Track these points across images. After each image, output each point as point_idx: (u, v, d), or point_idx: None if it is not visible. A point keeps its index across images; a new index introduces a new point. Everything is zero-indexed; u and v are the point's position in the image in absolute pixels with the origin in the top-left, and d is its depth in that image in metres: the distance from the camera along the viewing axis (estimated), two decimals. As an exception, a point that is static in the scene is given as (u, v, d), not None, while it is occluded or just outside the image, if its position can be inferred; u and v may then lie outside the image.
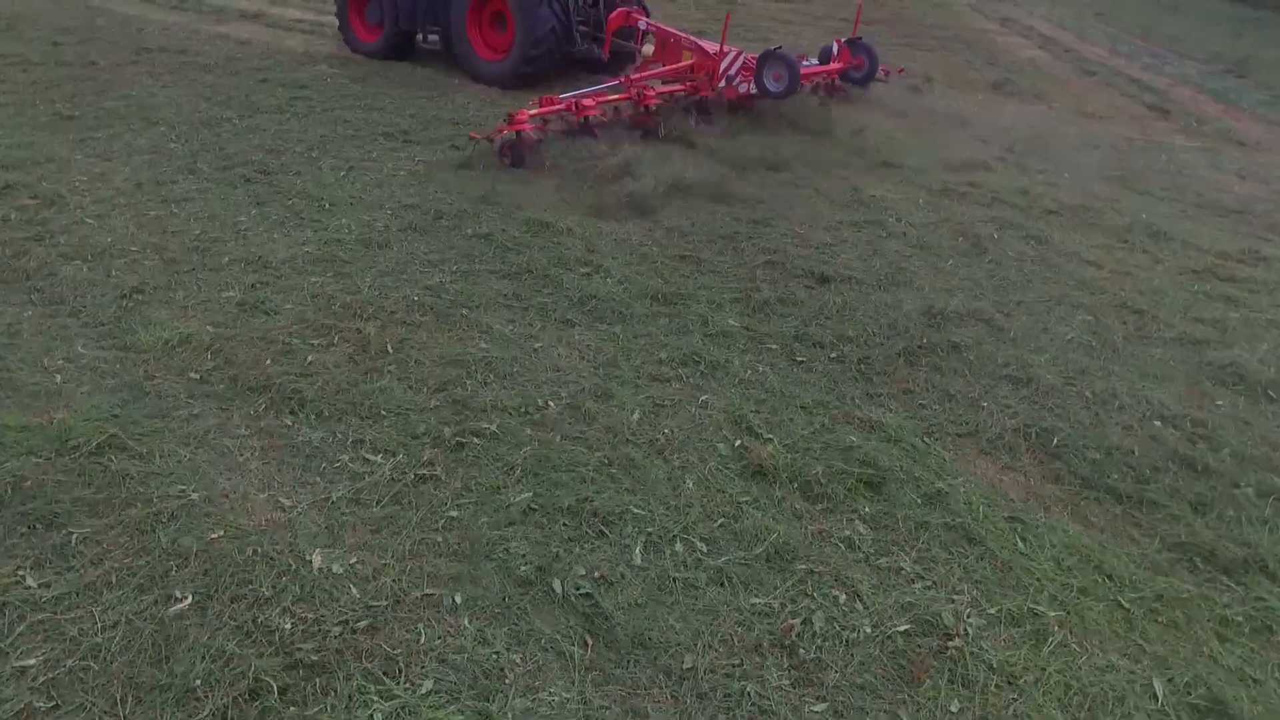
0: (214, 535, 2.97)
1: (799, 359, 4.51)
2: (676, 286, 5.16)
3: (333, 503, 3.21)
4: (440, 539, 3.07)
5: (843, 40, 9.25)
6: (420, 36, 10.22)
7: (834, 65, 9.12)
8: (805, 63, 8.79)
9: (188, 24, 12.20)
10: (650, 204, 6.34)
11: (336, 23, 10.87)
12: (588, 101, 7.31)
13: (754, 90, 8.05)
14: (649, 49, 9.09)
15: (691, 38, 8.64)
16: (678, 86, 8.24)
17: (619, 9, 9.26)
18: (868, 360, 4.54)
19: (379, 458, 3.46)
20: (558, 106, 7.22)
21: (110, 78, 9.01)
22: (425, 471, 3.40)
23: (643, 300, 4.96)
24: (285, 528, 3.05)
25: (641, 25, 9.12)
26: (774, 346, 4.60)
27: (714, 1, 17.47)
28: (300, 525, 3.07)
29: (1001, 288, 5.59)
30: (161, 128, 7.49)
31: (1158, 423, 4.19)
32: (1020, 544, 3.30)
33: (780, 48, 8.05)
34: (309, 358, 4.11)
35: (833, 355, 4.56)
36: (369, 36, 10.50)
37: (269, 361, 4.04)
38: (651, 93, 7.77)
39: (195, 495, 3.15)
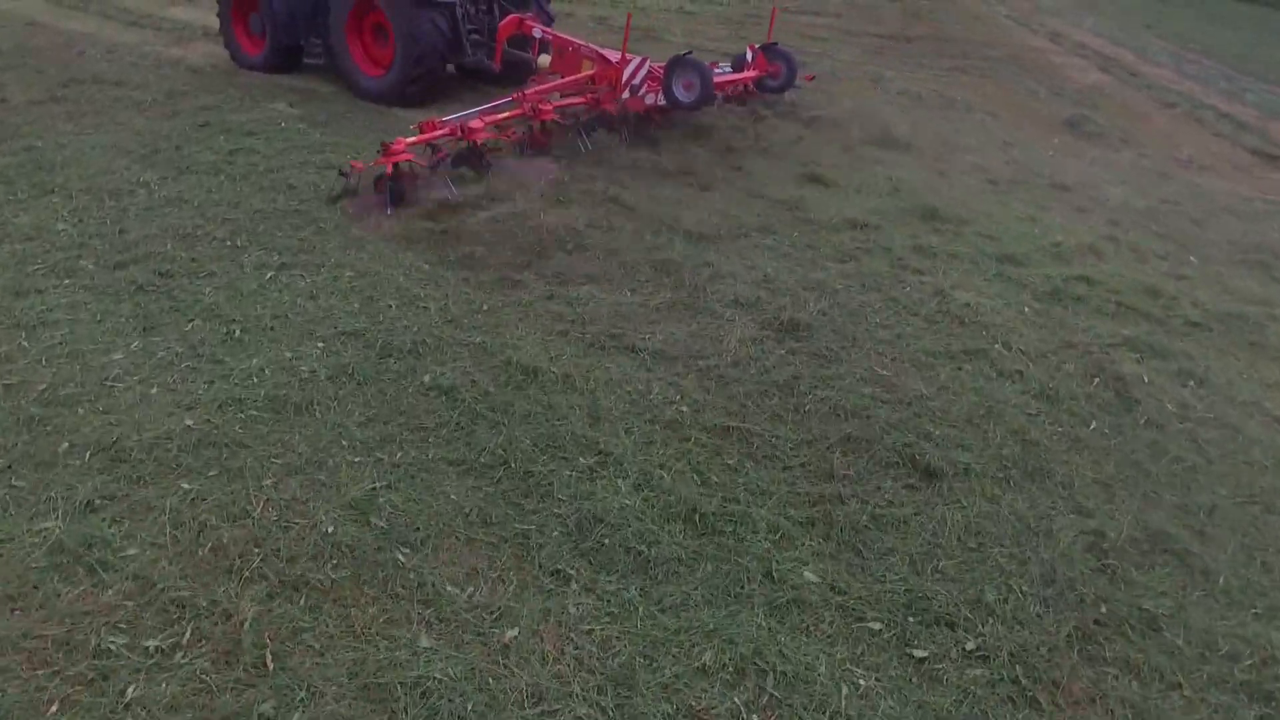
0: None
1: (918, 654, 2.89)
2: (721, 493, 3.53)
3: None
4: None
5: (756, 46, 8.43)
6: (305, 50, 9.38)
7: (749, 73, 8.34)
8: (718, 70, 8.12)
9: (139, 45, 10.60)
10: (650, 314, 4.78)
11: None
12: (475, 123, 6.46)
13: (661, 102, 7.33)
14: (545, 59, 8.25)
15: (592, 46, 7.81)
16: (577, 99, 7.45)
17: (511, 16, 8.38)
18: (1024, 655, 2.90)
19: None
20: (441, 131, 6.35)
21: (17, 120, 7.42)
22: None
23: (672, 526, 3.32)
24: None
25: (536, 33, 8.25)
26: (877, 627, 2.97)
27: (738, 18, 15.86)
28: None
29: (1178, 479, 3.95)
30: (55, 198, 5.89)
31: None
32: None
33: (690, 53, 7.24)
34: (130, 689, 2.50)
35: (969, 647, 2.93)
36: (253, 49, 9.44)
37: (56, 709, 2.44)
38: (548, 107, 7.00)
39: None
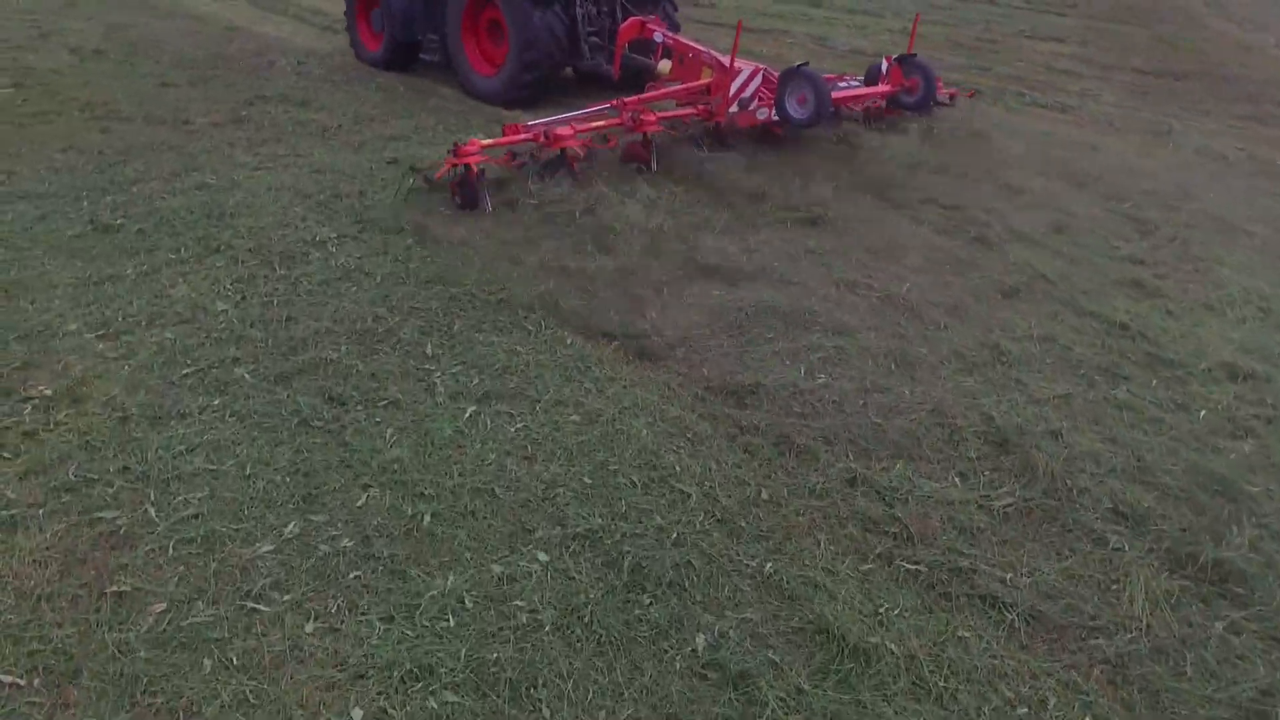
0: None
1: None
2: None
3: None
4: None
5: (893, 58, 7.67)
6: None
7: (881, 87, 7.57)
8: (846, 83, 7.58)
9: (331, 54, 9.87)
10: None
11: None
12: (564, 130, 5.94)
13: (774, 116, 6.68)
14: (666, 65, 7.77)
15: (715, 53, 6.98)
16: (688, 110, 6.88)
17: (632, 19, 7.79)
18: None
19: None
20: (524, 135, 5.94)
21: (196, 148, 6.60)
22: None
23: None
24: None
25: (658, 38, 7.62)
26: None
27: (969, 42, 13.79)
28: None
29: None
30: (220, 259, 4.88)
31: None
32: None
33: (806, 64, 6.61)
34: None
35: None
36: (374, 45, 9.41)
37: None
38: (651, 117, 6.39)
39: None
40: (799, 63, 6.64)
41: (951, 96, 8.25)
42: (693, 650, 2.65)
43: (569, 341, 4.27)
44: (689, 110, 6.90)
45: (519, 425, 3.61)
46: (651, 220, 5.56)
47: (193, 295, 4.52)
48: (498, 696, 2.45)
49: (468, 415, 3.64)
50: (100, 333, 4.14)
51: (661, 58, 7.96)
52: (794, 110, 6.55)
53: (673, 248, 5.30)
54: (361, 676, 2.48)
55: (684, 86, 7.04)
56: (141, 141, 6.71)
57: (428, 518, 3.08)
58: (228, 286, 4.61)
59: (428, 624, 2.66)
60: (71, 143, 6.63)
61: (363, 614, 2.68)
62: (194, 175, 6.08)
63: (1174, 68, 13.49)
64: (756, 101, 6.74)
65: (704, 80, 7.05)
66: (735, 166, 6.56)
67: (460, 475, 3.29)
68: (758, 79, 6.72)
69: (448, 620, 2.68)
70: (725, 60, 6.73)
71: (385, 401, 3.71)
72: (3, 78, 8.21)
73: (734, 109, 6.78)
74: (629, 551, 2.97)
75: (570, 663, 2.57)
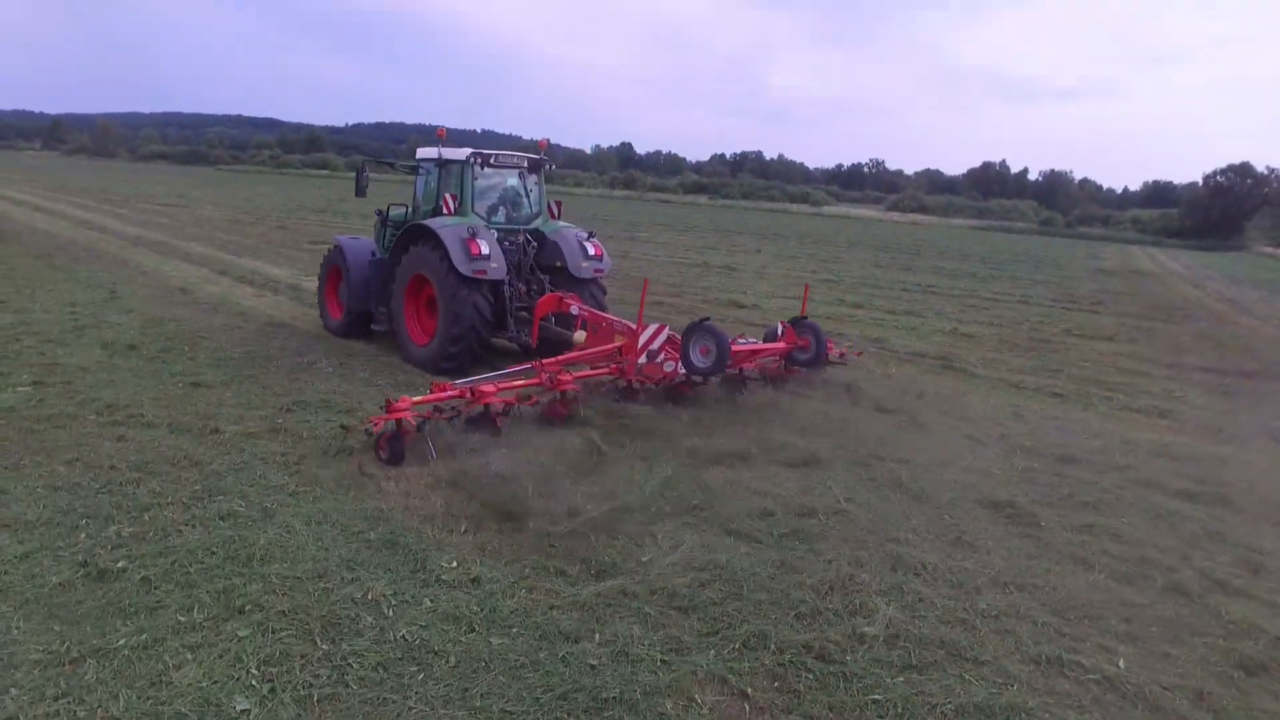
0: None
1: None
2: None
3: None
4: None
5: (788, 321, 8.62)
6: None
7: (777, 344, 8.46)
8: (745, 340, 8.66)
9: (378, 354, 9.39)
10: None
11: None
12: (487, 387, 6.58)
13: (680, 369, 7.41)
14: (581, 336, 8.44)
15: (625, 321, 8.03)
16: (602, 370, 7.58)
17: (549, 295, 8.92)
18: None
19: None
20: (450, 393, 6.46)
21: (222, 466, 5.70)
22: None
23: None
24: None
25: (574, 310, 8.61)
26: None
27: (1025, 342, 13.71)
28: None
29: None
30: (242, 626, 3.75)
31: None
32: None
33: (708, 319, 7.49)
34: None
35: None
36: (337, 314, 10.42)
37: None
38: (567, 377, 7.02)
39: None
40: (701, 318, 7.46)
41: (841, 355, 9.09)
42: None
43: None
44: (603, 370, 7.51)
45: None
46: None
47: (204, 684, 3.34)
48: None
49: None
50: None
51: (579, 328, 8.54)
52: (697, 360, 7.26)
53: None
54: None
55: (597, 350, 7.81)
56: (161, 454, 5.84)
57: None
58: (252, 671, 3.44)
59: None
60: (80, 454, 5.75)
61: None
62: (219, 501, 5.11)
63: (1236, 366, 13.11)
64: (663, 355, 7.51)
65: (615, 344, 7.78)
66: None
67: None
68: (663, 335, 7.55)
69: None
70: (634, 325, 7.55)
71: None
72: (25, 374, 7.55)
73: (642, 360, 7.44)
74: None
75: None
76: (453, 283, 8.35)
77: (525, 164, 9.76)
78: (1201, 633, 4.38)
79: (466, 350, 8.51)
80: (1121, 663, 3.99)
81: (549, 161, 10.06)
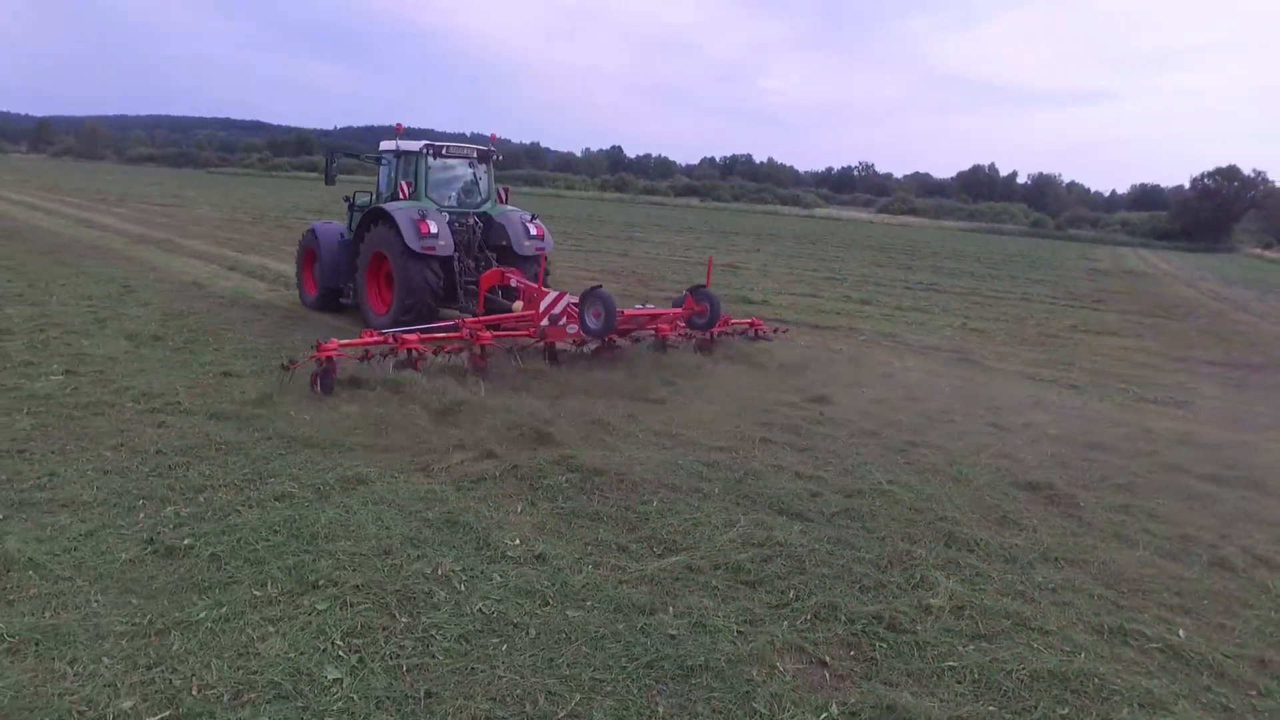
0: None
1: None
2: None
3: None
4: None
5: (689, 288, 9.56)
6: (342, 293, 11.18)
7: (675, 310, 9.38)
8: (643, 305, 10.02)
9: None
10: None
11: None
12: (410, 337, 7.59)
13: (579, 330, 8.35)
14: (519, 305, 9.31)
15: (545, 290, 8.96)
16: (520, 331, 8.55)
17: (492, 269, 9.89)
18: None
19: None
20: (375, 339, 7.52)
21: (269, 449, 5.70)
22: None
23: None
24: None
25: (513, 282, 9.61)
26: None
27: (1034, 338, 13.82)
28: None
29: None
30: (319, 599, 3.77)
31: None
32: None
33: (600, 285, 8.52)
34: None
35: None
36: (312, 291, 11.60)
37: None
38: (487, 335, 8.00)
39: None
40: (594, 285, 8.45)
41: (775, 331, 10.34)
42: None
43: None
44: (520, 331, 8.51)
45: None
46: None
47: (290, 654, 3.36)
48: None
49: None
50: (165, 716, 2.93)
51: (520, 299, 9.48)
52: (591, 322, 8.22)
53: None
54: None
55: (514, 314, 8.93)
56: (205, 439, 5.84)
57: None
58: (337, 642, 3.46)
59: None
60: (124, 439, 5.75)
61: None
62: (270, 483, 5.13)
63: (1242, 360, 13.28)
64: (565, 319, 8.44)
65: (530, 311, 8.76)
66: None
67: None
68: (563, 302, 8.45)
69: None
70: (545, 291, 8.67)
71: None
72: (55, 364, 7.53)
73: (545, 323, 8.42)
74: None
75: None
76: (405, 258, 9.47)
77: (475, 154, 10.85)
78: (1252, 605, 4.47)
79: (418, 319, 9.22)
80: (1181, 632, 4.07)
81: (497, 152, 11.18)
